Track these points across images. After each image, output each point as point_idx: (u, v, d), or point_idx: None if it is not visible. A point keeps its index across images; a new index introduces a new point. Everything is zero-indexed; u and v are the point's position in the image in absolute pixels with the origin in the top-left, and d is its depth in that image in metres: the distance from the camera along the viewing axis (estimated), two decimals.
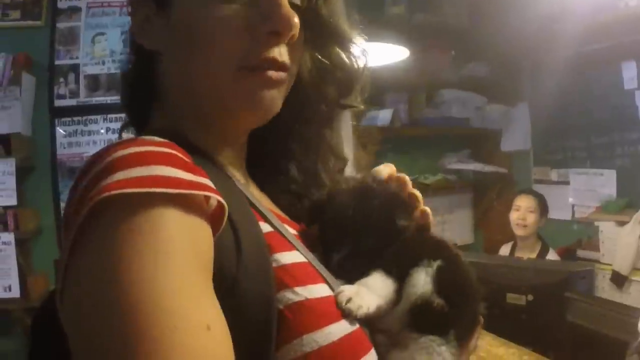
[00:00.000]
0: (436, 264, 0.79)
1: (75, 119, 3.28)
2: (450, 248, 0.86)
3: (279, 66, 0.79)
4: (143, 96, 0.87)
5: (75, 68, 3.31)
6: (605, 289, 3.79)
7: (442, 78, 4.30)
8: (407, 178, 0.89)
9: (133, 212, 0.57)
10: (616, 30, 3.57)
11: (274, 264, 0.70)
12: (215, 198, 0.63)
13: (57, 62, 3.32)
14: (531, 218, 3.83)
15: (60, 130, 3.27)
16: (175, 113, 0.83)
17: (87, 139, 3.28)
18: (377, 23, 2.40)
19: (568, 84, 4.02)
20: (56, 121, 3.29)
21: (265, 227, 0.74)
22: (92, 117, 3.30)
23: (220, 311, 0.60)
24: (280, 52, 0.78)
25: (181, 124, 0.82)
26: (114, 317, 0.53)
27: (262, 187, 0.94)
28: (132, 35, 0.85)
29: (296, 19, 0.76)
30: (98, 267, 0.56)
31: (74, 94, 3.29)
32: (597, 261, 3.96)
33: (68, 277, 0.58)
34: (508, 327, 1.71)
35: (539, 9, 3.73)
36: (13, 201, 3.20)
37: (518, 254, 3.90)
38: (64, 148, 3.26)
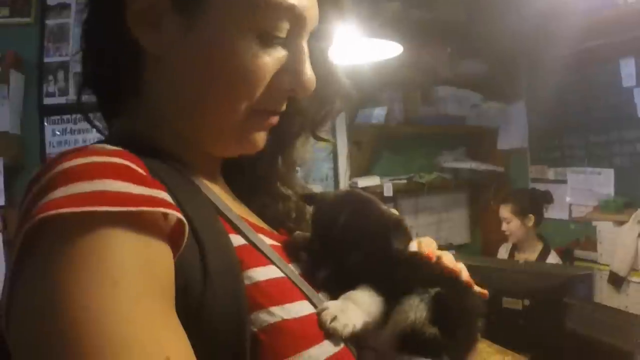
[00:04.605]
0: (434, 291, 0.74)
1: (65, 117, 3.21)
2: (456, 277, 0.83)
3: (279, 113, 0.80)
4: (120, 88, 0.80)
5: (64, 66, 3.24)
6: (603, 290, 3.75)
7: (438, 75, 4.24)
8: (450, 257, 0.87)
9: (72, 236, 0.50)
10: (615, 27, 3.54)
11: (247, 282, 0.64)
12: (174, 214, 0.57)
13: (46, 60, 3.25)
14: (513, 226, 3.79)
15: (56, 131, 3.20)
16: (155, 118, 0.77)
17: (76, 137, 3.20)
18: (373, 19, 2.35)
19: (566, 81, 3.98)
20: (45, 119, 3.22)
21: (237, 240, 0.68)
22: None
23: (184, 340, 0.54)
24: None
25: (157, 129, 0.77)
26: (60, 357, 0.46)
27: (246, 194, 0.89)
28: (112, 20, 0.73)
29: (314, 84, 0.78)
30: (37, 302, 0.49)
31: (64, 92, 3.23)
32: (595, 261, 3.93)
33: (11, 305, 0.51)
34: (504, 333, 1.66)
35: (537, 5, 3.68)
36: (1, 201, 3.11)
37: (518, 254, 3.85)
38: (53, 147, 3.20)
